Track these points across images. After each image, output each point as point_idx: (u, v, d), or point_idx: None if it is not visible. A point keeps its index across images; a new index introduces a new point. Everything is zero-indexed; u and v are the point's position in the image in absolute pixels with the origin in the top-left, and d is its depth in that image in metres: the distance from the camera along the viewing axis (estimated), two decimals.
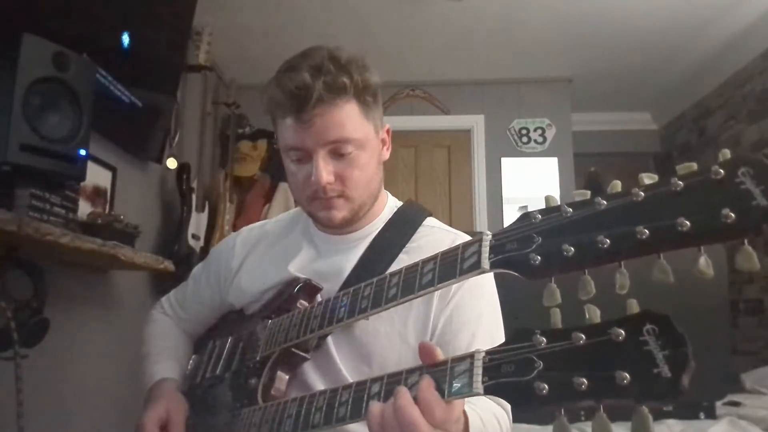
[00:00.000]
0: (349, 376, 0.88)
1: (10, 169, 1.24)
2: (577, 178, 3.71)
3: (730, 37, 3.16)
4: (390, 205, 1.02)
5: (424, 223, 0.98)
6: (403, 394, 0.56)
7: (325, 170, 0.85)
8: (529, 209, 0.54)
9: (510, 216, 3.56)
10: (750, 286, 3.14)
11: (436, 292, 0.87)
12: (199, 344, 1.12)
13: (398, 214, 0.99)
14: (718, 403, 1.93)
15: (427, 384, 0.56)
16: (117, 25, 1.92)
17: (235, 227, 2.99)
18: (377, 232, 0.96)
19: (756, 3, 2.87)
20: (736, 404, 1.98)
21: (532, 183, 3.60)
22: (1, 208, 1.19)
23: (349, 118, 0.86)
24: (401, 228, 0.96)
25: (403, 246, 0.93)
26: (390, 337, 0.88)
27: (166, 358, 1.05)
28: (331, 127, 0.84)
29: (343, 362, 0.89)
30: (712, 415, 1.84)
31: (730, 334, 2.82)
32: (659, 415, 1.74)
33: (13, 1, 1.43)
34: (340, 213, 0.90)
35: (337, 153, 0.86)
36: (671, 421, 1.77)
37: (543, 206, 0.54)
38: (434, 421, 0.55)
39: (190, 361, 1.07)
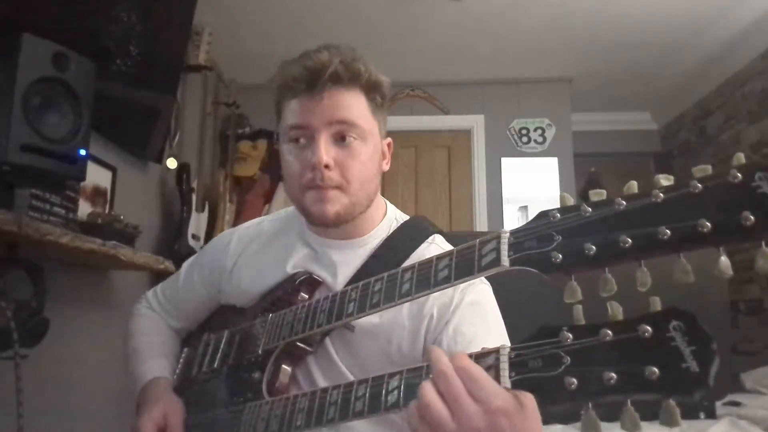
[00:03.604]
0: (349, 372, 0.87)
1: (10, 169, 1.24)
2: (577, 178, 3.70)
3: (730, 37, 3.16)
4: (390, 216, 0.98)
5: (427, 240, 0.94)
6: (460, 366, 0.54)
7: (326, 152, 0.84)
8: (530, 209, 0.55)
9: (510, 216, 3.57)
10: (750, 286, 3.14)
11: (428, 317, 0.86)
12: (190, 338, 1.10)
13: (402, 228, 0.96)
14: (718, 403, 1.93)
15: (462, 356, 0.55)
16: (117, 25, 1.92)
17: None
18: (377, 244, 0.94)
19: (756, 3, 2.87)
20: (736, 404, 1.97)
21: (532, 183, 3.60)
22: (1, 208, 1.19)
23: (358, 105, 0.87)
24: (402, 243, 0.93)
25: (401, 263, 0.89)
26: (374, 352, 0.87)
27: (157, 355, 1.03)
28: (338, 107, 0.85)
29: (341, 359, 0.88)
30: (712, 415, 1.83)
31: (730, 334, 2.82)
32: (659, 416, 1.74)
33: (13, 1, 1.43)
34: (333, 207, 0.86)
35: (340, 137, 0.86)
36: None
37: (546, 206, 0.55)
38: (480, 386, 0.52)
39: (182, 355, 1.06)
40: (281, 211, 1.09)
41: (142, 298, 1.17)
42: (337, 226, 0.90)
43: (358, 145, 0.87)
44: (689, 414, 1.81)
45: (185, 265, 1.13)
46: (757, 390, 2.18)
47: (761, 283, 3.06)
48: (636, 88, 3.89)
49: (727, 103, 3.49)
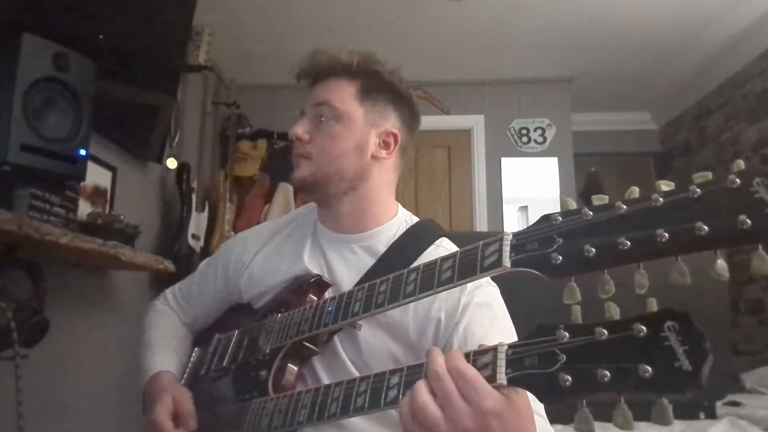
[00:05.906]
0: (355, 370, 0.88)
1: (10, 169, 1.24)
2: (577, 178, 3.70)
3: (730, 37, 3.16)
4: (400, 218, 1.01)
5: (435, 242, 0.96)
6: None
7: (300, 126, 0.96)
8: (530, 209, 0.56)
9: (510, 216, 3.56)
10: (750, 286, 3.14)
11: (435, 321, 0.87)
12: (202, 337, 1.11)
13: (410, 231, 0.97)
14: (718, 403, 1.93)
15: (458, 355, 0.56)
16: (117, 25, 1.92)
17: (235, 227, 2.99)
18: (384, 241, 0.95)
19: (756, 3, 2.87)
20: (736, 404, 1.98)
21: (532, 183, 3.59)
22: (1, 208, 1.20)
23: (340, 91, 0.96)
24: (410, 246, 0.94)
25: (408, 265, 0.90)
26: (379, 351, 0.88)
27: (166, 350, 1.05)
28: (321, 92, 0.97)
29: (349, 358, 0.89)
30: (712, 415, 1.84)
31: (730, 334, 2.82)
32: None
33: (13, 1, 1.43)
34: (301, 173, 0.96)
35: (317, 116, 0.96)
36: None
37: (546, 206, 0.55)
38: (474, 387, 0.53)
39: (193, 354, 1.07)
40: (301, 208, 1.13)
41: (161, 295, 1.19)
42: (306, 192, 0.99)
43: (330, 124, 0.95)
44: (689, 414, 1.81)
45: (202, 263, 1.17)
46: (757, 390, 2.18)
47: (761, 283, 3.06)
48: (636, 88, 3.89)
49: (727, 103, 3.49)
